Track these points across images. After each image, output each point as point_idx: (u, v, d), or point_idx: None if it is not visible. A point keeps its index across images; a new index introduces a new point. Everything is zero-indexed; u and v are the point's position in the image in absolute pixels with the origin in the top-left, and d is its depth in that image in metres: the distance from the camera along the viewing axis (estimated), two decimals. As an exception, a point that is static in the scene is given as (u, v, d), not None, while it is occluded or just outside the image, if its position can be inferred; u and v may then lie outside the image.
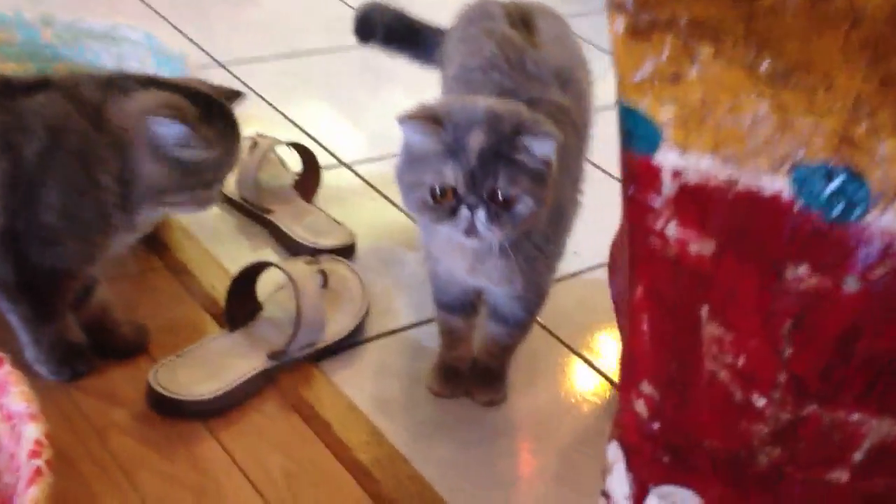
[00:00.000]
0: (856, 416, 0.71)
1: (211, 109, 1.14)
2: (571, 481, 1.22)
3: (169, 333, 1.32)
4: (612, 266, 1.27)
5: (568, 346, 1.43)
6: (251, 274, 1.34)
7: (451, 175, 1.05)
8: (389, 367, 1.36)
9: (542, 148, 1.06)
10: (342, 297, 1.40)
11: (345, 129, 1.93)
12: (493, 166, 1.04)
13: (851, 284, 0.68)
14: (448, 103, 1.11)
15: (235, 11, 2.32)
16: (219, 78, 1.94)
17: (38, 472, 0.88)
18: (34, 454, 0.90)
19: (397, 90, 2.02)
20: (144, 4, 2.22)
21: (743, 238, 0.70)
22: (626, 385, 0.82)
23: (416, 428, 1.27)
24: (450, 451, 1.24)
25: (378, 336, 1.40)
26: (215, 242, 1.51)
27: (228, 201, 1.58)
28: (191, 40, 2.09)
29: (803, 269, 0.68)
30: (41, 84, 1.15)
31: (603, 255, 1.46)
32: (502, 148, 1.05)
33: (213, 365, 1.25)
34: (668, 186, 0.71)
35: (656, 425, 0.79)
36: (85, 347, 1.25)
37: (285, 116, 1.88)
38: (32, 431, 0.93)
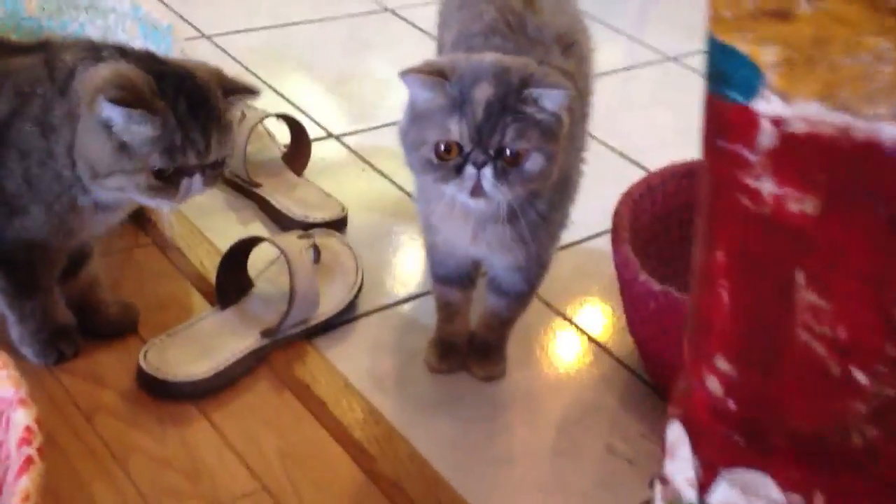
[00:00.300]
0: None
1: (179, 94, 1.02)
2: (572, 455, 1.17)
3: (158, 312, 1.26)
4: (616, 235, 1.22)
5: (565, 318, 1.38)
6: (242, 249, 1.28)
7: (456, 130, 0.99)
8: (384, 342, 1.30)
9: (553, 100, 1.00)
10: (335, 271, 1.34)
11: (333, 100, 1.86)
12: (500, 119, 0.98)
13: None
14: (454, 58, 1.05)
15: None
16: (203, 50, 1.87)
17: (28, 460, 0.82)
18: (24, 441, 0.84)
19: (385, 60, 1.95)
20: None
21: (854, 195, 0.61)
22: (694, 360, 0.73)
23: (413, 404, 1.21)
24: (448, 428, 1.19)
25: (372, 311, 1.34)
26: (203, 217, 1.45)
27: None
28: (175, 12, 2.01)
29: None
30: (35, 48, 1.08)
31: (600, 224, 1.41)
32: (510, 100, 0.99)
33: (204, 344, 1.19)
34: (767, 137, 0.62)
35: (732, 403, 0.71)
36: (72, 328, 1.19)
37: (272, 88, 1.81)
38: (22, 417, 0.87)
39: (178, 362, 1.16)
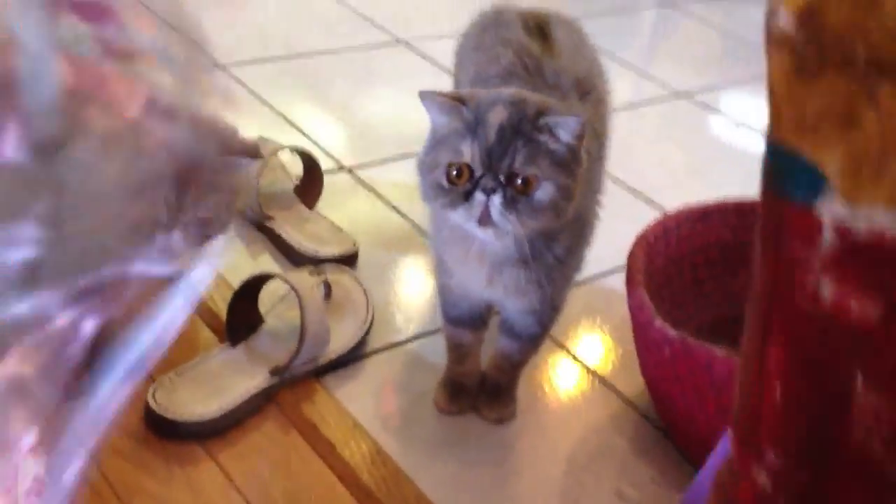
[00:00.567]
0: None
1: None
2: (580, 501, 1.14)
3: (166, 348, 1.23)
4: (631, 278, 1.18)
5: (575, 357, 1.34)
6: (254, 285, 1.24)
7: (468, 152, 0.96)
8: (393, 381, 1.27)
9: (567, 129, 0.97)
10: (346, 308, 1.31)
11: (345, 131, 1.84)
12: (512, 143, 0.95)
13: None
14: (473, 90, 1.04)
15: (234, 13, 2.22)
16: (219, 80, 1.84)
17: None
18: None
19: (399, 92, 1.93)
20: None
21: None
22: (743, 453, 0.70)
23: (420, 446, 1.18)
24: (456, 470, 1.15)
25: (382, 349, 1.31)
26: (214, 250, 1.42)
27: (227, 207, 1.48)
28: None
29: None
30: None
31: (609, 262, 1.38)
32: (524, 126, 0.96)
33: (212, 383, 1.16)
34: (830, 240, 0.59)
35: (781, 501, 0.67)
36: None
37: (285, 118, 1.79)
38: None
39: (187, 402, 1.13)
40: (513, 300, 1.12)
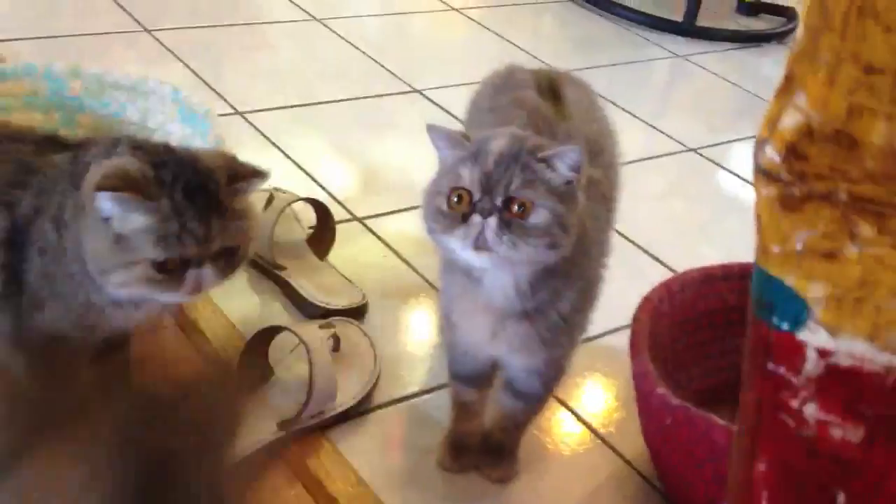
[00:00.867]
0: None
1: (176, 182, 0.96)
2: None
3: (177, 398, 1.23)
4: (635, 342, 1.19)
5: (579, 418, 1.34)
6: (264, 337, 1.25)
7: (468, 176, 0.99)
8: (398, 437, 1.27)
9: (565, 160, 0.99)
10: (353, 362, 1.31)
11: (358, 180, 1.85)
12: (510, 168, 0.99)
13: None
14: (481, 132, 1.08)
15: (251, 60, 2.25)
16: (236, 128, 1.86)
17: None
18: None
19: (413, 142, 1.94)
20: (163, 47, 2.15)
21: None
22: None
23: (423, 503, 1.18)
24: (458, 529, 1.15)
25: (387, 403, 1.31)
26: (225, 298, 1.42)
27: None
28: (211, 88, 2.01)
29: None
30: (77, 144, 1.07)
31: (614, 320, 1.38)
32: (522, 155, 0.99)
33: (219, 436, 1.16)
34: (813, 366, 0.61)
35: None
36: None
37: (299, 166, 1.80)
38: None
39: (194, 454, 1.13)
40: (517, 357, 1.12)
